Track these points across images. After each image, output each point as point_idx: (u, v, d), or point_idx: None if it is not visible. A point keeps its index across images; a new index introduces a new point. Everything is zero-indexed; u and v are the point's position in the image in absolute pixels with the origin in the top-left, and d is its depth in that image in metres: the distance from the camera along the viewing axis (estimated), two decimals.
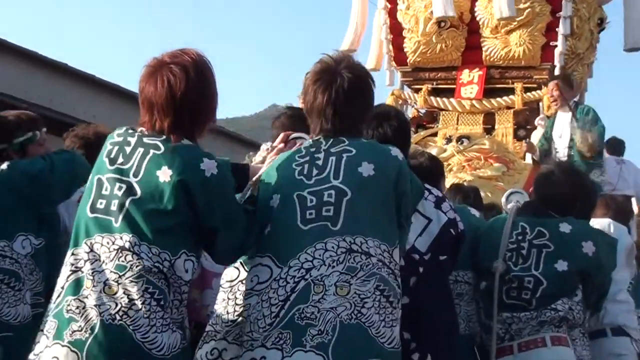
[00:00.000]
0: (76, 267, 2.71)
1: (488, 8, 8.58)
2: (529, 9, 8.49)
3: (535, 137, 8.30)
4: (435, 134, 8.72)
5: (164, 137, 2.80)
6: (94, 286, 2.65)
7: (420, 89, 8.99)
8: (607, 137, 8.05)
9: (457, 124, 8.77)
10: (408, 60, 9.04)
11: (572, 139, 7.56)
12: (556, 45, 8.48)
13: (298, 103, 8.28)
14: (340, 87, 2.97)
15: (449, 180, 7.52)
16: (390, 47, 9.16)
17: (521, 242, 3.92)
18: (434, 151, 8.13)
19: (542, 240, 3.89)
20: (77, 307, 2.64)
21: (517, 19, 8.50)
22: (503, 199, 4.26)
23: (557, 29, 8.48)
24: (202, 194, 2.74)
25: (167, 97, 2.79)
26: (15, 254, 3.73)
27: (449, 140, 8.36)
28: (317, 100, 3.01)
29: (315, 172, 2.90)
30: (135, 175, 2.75)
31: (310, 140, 3.02)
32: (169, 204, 2.70)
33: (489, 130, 8.69)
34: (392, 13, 9.14)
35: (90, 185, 2.82)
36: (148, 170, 2.74)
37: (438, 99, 8.89)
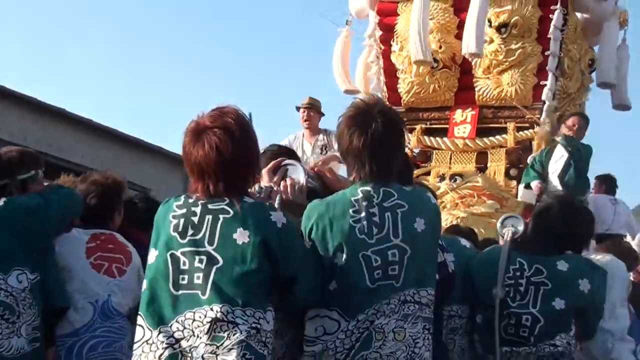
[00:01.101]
0: (168, 344, 2.75)
1: None
2: (520, 50, 8.60)
3: None
4: (428, 173, 8.77)
5: (226, 200, 2.85)
6: None
7: (414, 128, 9.07)
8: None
9: (450, 162, 8.83)
10: (402, 101, 9.13)
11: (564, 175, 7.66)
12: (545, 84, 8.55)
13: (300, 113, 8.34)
14: (376, 131, 3.08)
15: (443, 217, 7.56)
16: (385, 88, 9.24)
17: (519, 279, 3.96)
18: (421, 190, 8.15)
19: (539, 277, 3.93)
20: None
21: (509, 60, 8.60)
22: (498, 224, 4.27)
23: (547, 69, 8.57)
24: (280, 246, 2.83)
25: (216, 161, 2.85)
26: (9, 287, 3.74)
27: (442, 178, 8.42)
28: (352, 144, 3.11)
29: (375, 230, 3.04)
30: (210, 244, 2.80)
31: (360, 192, 3.11)
32: (252, 263, 2.77)
33: (482, 169, 8.74)
34: (385, 55, 9.24)
35: (164, 262, 2.84)
36: (223, 235, 2.80)
37: (431, 138, 8.96)
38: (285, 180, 3.22)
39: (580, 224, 4.17)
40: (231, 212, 2.83)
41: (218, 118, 2.91)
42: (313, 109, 8.58)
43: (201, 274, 2.77)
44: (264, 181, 3.21)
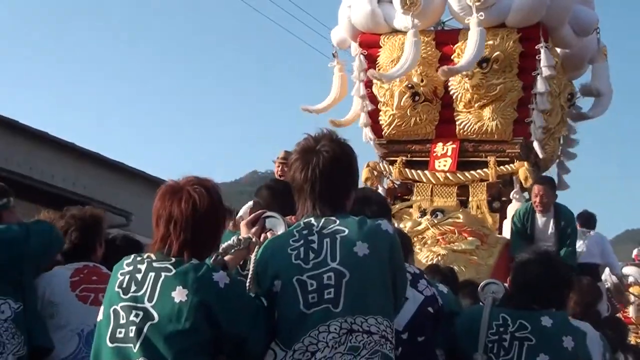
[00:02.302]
0: None
1: (461, 83, 8.73)
2: (501, 85, 8.65)
3: (511, 210, 8.38)
4: (410, 206, 8.78)
5: (173, 259, 2.86)
6: None
7: (395, 161, 9.09)
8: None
9: (432, 196, 8.85)
10: (383, 133, 9.16)
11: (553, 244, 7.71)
12: (531, 121, 8.62)
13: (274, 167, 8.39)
14: (317, 166, 3.05)
15: (424, 254, 7.57)
16: (369, 119, 9.26)
17: (502, 334, 3.94)
18: (408, 224, 8.20)
19: (523, 333, 3.92)
20: None
21: (490, 94, 8.66)
22: (479, 289, 4.26)
23: (530, 105, 8.64)
24: (222, 307, 2.80)
25: (189, 214, 2.89)
26: None
27: (423, 213, 8.42)
28: (296, 179, 3.11)
29: (312, 255, 2.96)
30: (149, 300, 2.80)
31: (302, 223, 3.07)
32: (187, 322, 2.75)
33: (464, 202, 8.77)
34: (367, 86, 9.26)
35: (106, 317, 2.86)
36: (162, 292, 2.79)
37: (412, 171, 8.97)
38: (265, 233, 3.18)
39: (558, 279, 4.16)
40: (173, 270, 2.83)
41: (197, 180, 2.98)
42: (287, 163, 8.59)
43: (134, 327, 2.76)
44: (243, 233, 3.17)
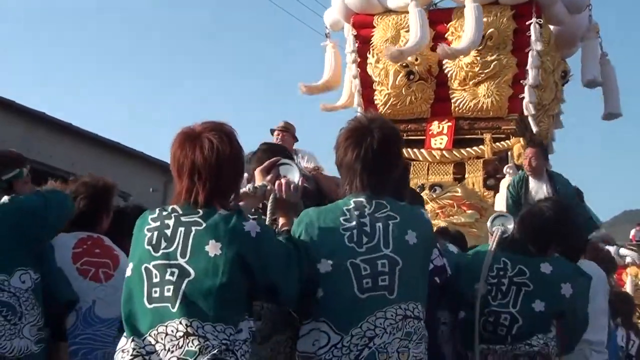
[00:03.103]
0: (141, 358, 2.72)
1: (456, 61, 8.77)
2: (496, 62, 8.70)
3: (504, 185, 8.44)
4: None
5: (200, 211, 2.83)
6: None
7: (403, 141, 9.08)
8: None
9: (428, 174, 8.90)
10: (378, 112, 9.17)
11: None
12: (523, 97, 8.65)
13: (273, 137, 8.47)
14: (370, 146, 3.10)
15: None
16: (361, 99, 9.31)
17: (502, 278, 3.97)
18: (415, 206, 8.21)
19: (522, 278, 3.94)
20: None
21: (485, 71, 8.70)
22: (488, 223, 4.27)
23: (523, 81, 8.67)
24: (256, 257, 2.79)
25: (213, 162, 2.84)
26: (12, 287, 3.69)
27: (422, 188, 8.46)
28: (347, 156, 3.14)
29: (365, 239, 3.02)
30: (182, 256, 2.77)
31: (352, 202, 3.11)
32: (224, 276, 2.73)
33: (460, 179, 8.82)
34: (361, 66, 9.30)
35: (138, 276, 2.81)
36: (195, 247, 2.77)
37: (409, 149, 9.00)
38: (280, 179, 3.19)
39: (566, 227, 4.18)
40: (203, 224, 2.80)
41: (214, 126, 2.92)
42: (287, 132, 8.68)
43: (172, 287, 2.71)
44: (257, 180, 3.19)
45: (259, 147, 3.84)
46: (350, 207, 3.10)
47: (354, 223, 3.05)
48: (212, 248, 2.75)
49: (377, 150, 3.11)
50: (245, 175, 3.49)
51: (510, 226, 4.15)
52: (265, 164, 3.24)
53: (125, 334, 2.80)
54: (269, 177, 3.19)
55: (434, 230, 5.70)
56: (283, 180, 3.18)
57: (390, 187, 3.22)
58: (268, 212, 3.15)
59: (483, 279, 3.93)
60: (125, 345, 2.76)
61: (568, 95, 9.80)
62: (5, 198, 3.87)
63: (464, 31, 8.48)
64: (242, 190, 3.08)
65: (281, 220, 3.18)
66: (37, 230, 3.83)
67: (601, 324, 4.64)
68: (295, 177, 3.21)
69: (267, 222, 3.08)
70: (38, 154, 14.25)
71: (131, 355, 2.71)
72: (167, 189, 18.14)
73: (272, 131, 8.73)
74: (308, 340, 2.98)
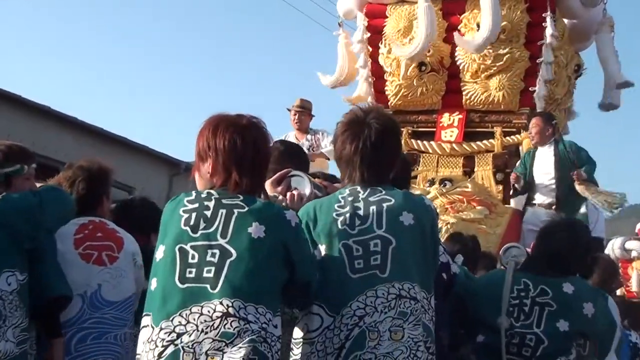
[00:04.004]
0: (169, 341, 2.64)
1: (468, 53, 8.71)
2: (508, 55, 8.62)
3: None
4: (415, 177, 8.76)
5: (240, 196, 2.82)
6: (195, 359, 2.60)
7: (401, 131, 9.06)
8: None
9: (437, 166, 8.85)
10: (389, 103, 9.11)
11: (558, 177, 7.70)
12: (534, 90, 8.58)
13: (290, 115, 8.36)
14: (368, 138, 3.11)
15: None
16: (371, 89, 9.24)
17: (523, 299, 3.98)
18: (416, 193, 8.17)
19: (545, 298, 3.96)
20: None
21: (497, 64, 8.63)
22: (501, 253, 4.29)
23: (535, 74, 8.59)
24: (295, 246, 2.81)
25: (255, 154, 2.87)
26: None
27: (431, 182, 8.42)
28: (345, 149, 3.15)
29: (357, 221, 3.01)
30: (223, 237, 2.74)
31: (347, 190, 3.12)
32: (266, 259, 2.72)
33: (469, 173, 8.78)
34: (373, 57, 9.23)
35: (171, 256, 2.76)
36: (237, 229, 2.74)
37: (419, 141, 8.97)
38: (291, 191, 3.21)
39: (583, 247, 4.21)
40: (246, 207, 2.78)
41: (250, 118, 2.93)
42: (304, 110, 8.66)
43: (213, 268, 2.68)
44: (269, 191, 3.17)
45: (275, 146, 3.84)
46: (345, 194, 3.11)
47: (347, 208, 3.05)
48: (255, 230, 2.74)
49: (374, 142, 3.11)
50: None
51: (523, 259, 4.17)
52: (276, 175, 3.25)
53: (149, 321, 2.73)
54: (279, 189, 3.20)
55: (449, 235, 5.73)
56: (295, 192, 3.19)
57: (389, 179, 3.22)
58: None
59: (504, 313, 3.92)
60: (151, 335, 2.70)
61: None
62: None
63: (482, 22, 8.38)
64: None
65: None
66: (29, 231, 3.76)
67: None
68: (307, 189, 3.23)
69: None
70: (43, 148, 14.22)
71: (162, 346, 2.64)
72: (172, 183, 18.13)
73: (289, 109, 8.69)
74: (299, 325, 2.99)
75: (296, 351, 2.96)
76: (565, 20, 9.14)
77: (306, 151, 8.45)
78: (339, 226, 3.00)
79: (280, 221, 2.79)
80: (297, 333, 2.98)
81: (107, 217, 4.36)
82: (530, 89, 8.64)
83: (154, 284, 2.79)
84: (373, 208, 3.04)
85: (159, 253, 2.80)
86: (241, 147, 2.84)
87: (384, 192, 3.09)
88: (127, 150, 17.20)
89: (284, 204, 3.12)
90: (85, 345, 3.94)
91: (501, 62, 8.64)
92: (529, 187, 8.06)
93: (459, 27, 8.82)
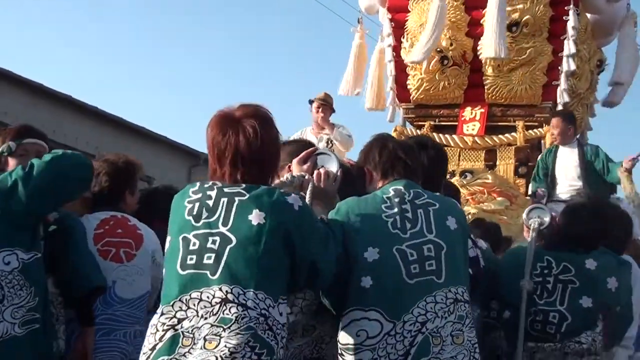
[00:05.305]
0: (169, 326, 2.67)
1: None
2: (531, 49, 8.63)
3: None
4: None
5: (243, 185, 2.83)
6: (193, 343, 2.61)
7: (423, 125, 9.12)
8: None
9: (459, 160, 8.86)
10: (411, 97, 9.16)
11: (584, 184, 7.73)
12: (558, 84, 8.58)
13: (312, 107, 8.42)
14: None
15: None
16: (394, 84, 9.27)
17: (546, 276, 3.99)
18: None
19: (567, 276, 3.97)
20: None
21: (520, 58, 8.64)
22: (524, 215, 4.27)
23: (559, 68, 8.60)
24: (298, 230, 2.79)
25: (255, 148, 2.85)
26: None
27: (452, 174, 8.43)
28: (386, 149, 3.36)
29: (408, 225, 3.07)
30: (224, 224, 2.75)
31: (392, 190, 3.18)
32: (266, 245, 2.72)
33: (491, 166, 8.78)
34: (395, 51, 9.25)
35: (175, 245, 2.80)
36: (238, 216, 2.75)
37: (440, 135, 8.94)
38: (319, 169, 3.19)
39: (611, 226, 4.20)
40: (247, 195, 2.79)
41: (254, 110, 2.93)
42: (327, 104, 8.69)
43: (213, 255, 2.70)
44: (295, 170, 3.18)
45: (289, 140, 3.84)
46: (390, 194, 3.14)
47: (395, 210, 3.09)
48: (256, 217, 2.74)
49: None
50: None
51: (547, 218, 4.15)
52: (303, 154, 3.23)
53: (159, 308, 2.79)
54: (305, 167, 3.18)
55: (470, 221, 5.79)
56: (322, 170, 3.17)
57: (421, 174, 3.33)
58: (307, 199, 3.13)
59: (527, 275, 3.95)
60: (154, 320, 2.75)
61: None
62: None
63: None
64: (281, 180, 3.08)
65: (317, 210, 3.16)
66: (20, 208, 3.52)
67: (635, 321, 4.62)
68: (334, 167, 3.20)
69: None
70: (64, 137, 14.31)
71: (163, 330, 2.68)
72: (192, 174, 18.20)
73: (310, 102, 8.70)
74: (351, 331, 2.97)
75: (350, 357, 2.96)
76: (589, 15, 9.13)
77: (324, 145, 8.51)
78: (391, 229, 3.06)
79: (281, 206, 2.78)
80: (350, 339, 2.97)
81: (131, 213, 4.32)
82: (553, 82, 8.63)
83: (164, 272, 2.85)
84: (421, 212, 3.11)
85: (167, 244, 2.87)
86: (235, 142, 2.85)
87: (426, 196, 3.18)
88: (147, 140, 17.28)
89: (311, 182, 3.12)
90: (94, 341, 3.93)
91: (524, 56, 8.65)
92: (551, 185, 8.06)
93: (481, 21, 8.81)
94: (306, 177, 3.13)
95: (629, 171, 7.52)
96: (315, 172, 3.17)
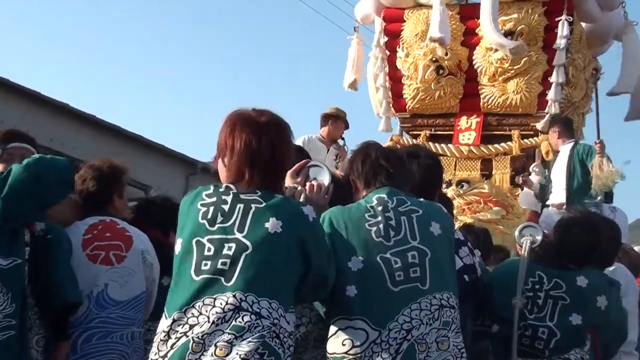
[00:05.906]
0: (182, 333, 2.65)
1: (486, 56, 8.74)
2: (526, 58, 8.62)
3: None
4: None
5: (259, 192, 2.82)
6: (204, 350, 2.59)
7: (419, 135, 9.14)
8: None
9: (455, 169, 8.86)
10: (407, 107, 9.18)
11: (568, 177, 7.73)
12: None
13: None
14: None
15: None
16: (389, 94, 9.28)
17: (537, 291, 4.00)
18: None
19: (558, 292, 3.98)
20: None
21: (515, 67, 8.65)
22: (516, 233, 4.28)
23: (549, 78, 8.60)
24: (312, 240, 2.81)
25: (274, 154, 2.86)
26: None
27: (448, 184, 8.45)
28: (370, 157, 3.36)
29: (392, 233, 3.08)
30: (240, 231, 2.74)
31: (375, 199, 3.19)
32: (282, 253, 2.73)
33: (487, 176, 8.79)
34: (391, 61, 9.29)
35: (188, 248, 2.77)
36: (254, 223, 2.74)
37: (436, 144, 8.97)
38: (311, 181, 3.22)
39: (601, 242, 4.20)
40: (264, 202, 2.79)
41: (277, 118, 2.95)
42: (339, 119, 8.60)
43: (228, 261, 2.68)
44: (287, 182, 3.20)
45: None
46: (373, 203, 3.16)
47: (379, 218, 3.11)
48: (273, 225, 2.74)
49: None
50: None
51: (539, 237, 4.17)
52: (296, 166, 3.25)
53: (165, 312, 2.75)
54: (299, 179, 3.21)
55: (459, 227, 5.80)
56: (314, 183, 3.21)
57: (408, 182, 3.36)
58: None
59: (519, 292, 3.96)
60: (164, 326, 2.72)
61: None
62: None
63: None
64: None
65: None
66: None
67: (632, 326, 4.65)
68: (326, 179, 3.24)
69: None
70: (61, 145, 14.29)
71: (175, 337, 2.65)
72: (189, 183, 18.19)
73: (327, 116, 8.56)
74: (337, 340, 2.99)
75: None
76: (583, 24, 9.14)
77: (333, 158, 8.46)
78: (375, 238, 3.06)
79: (298, 216, 2.81)
80: (337, 347, 2.97)
81: (123, 215, 4.36)
82: (548, 92, 8.64)
83: (174, 274, 2.82)
84: (404, 219, 3.11)
85: (178, 247, 2.83)
86: (256, 147, 2.85)
87: (409, 203, 3.18)
88: (144, 148, 17.26)
89: (303, 194, 3.14)
90: (90, 345, 3.95)
91: (519, 66, 8.65)
92: (548, 188, 8.10)
93: (476, 31, 8.85)
94: (298, 188, 3.17)
95: (602, 153, 7.61)
96: (308, 184, 3.21)
